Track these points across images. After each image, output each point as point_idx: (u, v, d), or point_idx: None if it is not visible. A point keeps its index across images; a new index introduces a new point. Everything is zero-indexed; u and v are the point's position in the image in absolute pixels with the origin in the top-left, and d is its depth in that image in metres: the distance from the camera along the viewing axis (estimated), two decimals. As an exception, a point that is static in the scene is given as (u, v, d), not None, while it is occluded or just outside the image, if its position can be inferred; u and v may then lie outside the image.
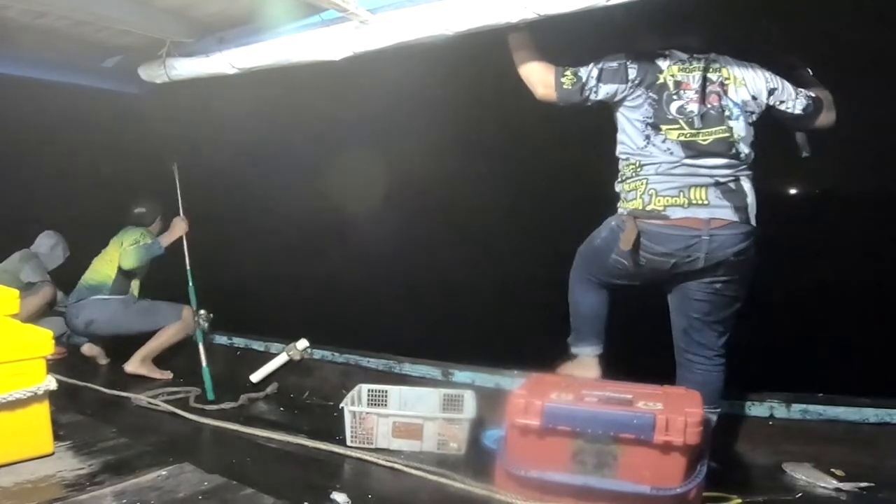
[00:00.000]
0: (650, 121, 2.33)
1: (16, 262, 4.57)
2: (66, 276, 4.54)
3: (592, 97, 2.39)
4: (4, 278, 4.12)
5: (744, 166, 2.32)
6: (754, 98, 2.33)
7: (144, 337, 4.02)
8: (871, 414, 2.52)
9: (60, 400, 2.64)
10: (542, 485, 2.09)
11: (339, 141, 5.60)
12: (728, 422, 2.62)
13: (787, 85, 2.37)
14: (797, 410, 2.63)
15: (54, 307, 4.57)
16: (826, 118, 2.41)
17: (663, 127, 2.30)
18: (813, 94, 2.39)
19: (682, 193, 2.26)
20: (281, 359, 3.73)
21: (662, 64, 2.35)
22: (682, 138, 2.28)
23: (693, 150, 2.27)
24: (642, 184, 2.33)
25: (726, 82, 2.32)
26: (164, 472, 2.20)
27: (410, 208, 6.36)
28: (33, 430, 2.34)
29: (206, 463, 2.33)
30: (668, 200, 2.28)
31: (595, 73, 2.38)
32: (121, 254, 4.04)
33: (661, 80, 2.33)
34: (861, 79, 3.35)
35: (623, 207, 2.41)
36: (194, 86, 3.45)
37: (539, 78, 2.45)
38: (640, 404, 2.10)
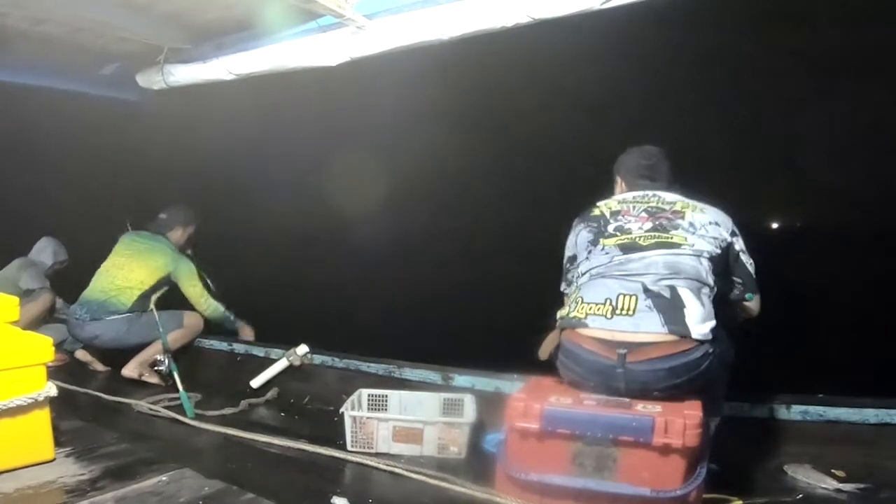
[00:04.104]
0: (590, 238, 2.36)
1: (15, 270, 4.57)
2: (67, 283, 4.53)
3: (572, 269, 2.42)
4: (3, 286, 4.11)
5: (688, 279, 2.16)
6: (715, 224, 2.28)
7: (146, 343, 4.02)
8: (871, 415, 2.52)
9: (61, 406, 2.64)
10: (542, 488, 2.09)
11: (337, 146, 5.61)
12: (728, 423, 2.62)
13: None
14: (797, 411, 2.63)
15: (54, 314, 4.57)
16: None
17: (601, 240, 2.33)
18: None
19: (608, 301, 2.15)
20: (281, 364, 3.73)
21: (599, 202, 2.44)
22: (619, 242, 2.28)
23: (630, 249, 2.23)
24: (575, 290, 2.32)
25: (678, 210, 2.31)
26: (164, 478, 2.21)
27: (409, 212, 6.37)
28: (34, 437, 2.34)
29: (207, 468, 2.33)
30: (591, 308, 2.17)
31: (567, 263, 2.46)
32: (200, 300, 4.11)
33: (597, 213, 2.41)
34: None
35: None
36: (192, 92, 3.46)
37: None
38: (639, 407, 2.10)
